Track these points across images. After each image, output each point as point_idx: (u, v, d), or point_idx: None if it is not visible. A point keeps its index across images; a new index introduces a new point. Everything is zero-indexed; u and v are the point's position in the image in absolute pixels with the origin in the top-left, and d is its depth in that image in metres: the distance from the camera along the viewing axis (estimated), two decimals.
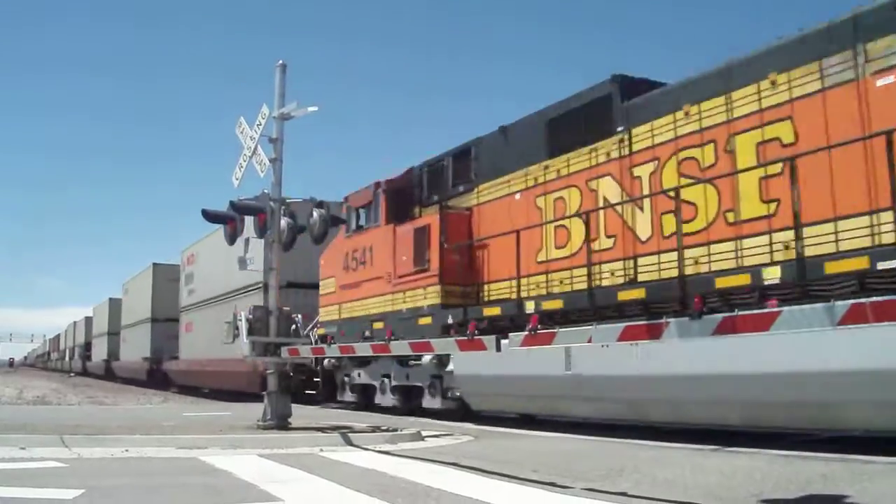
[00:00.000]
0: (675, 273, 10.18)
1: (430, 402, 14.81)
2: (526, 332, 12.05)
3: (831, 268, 8.62)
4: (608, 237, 11.54)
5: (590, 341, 10.91)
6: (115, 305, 47.43)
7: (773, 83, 9.67)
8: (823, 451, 8.25)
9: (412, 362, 15.05)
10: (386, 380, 16.12)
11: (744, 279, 9.49)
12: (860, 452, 7.82)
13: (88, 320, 60.82)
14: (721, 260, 10.00)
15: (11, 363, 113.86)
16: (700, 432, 10.01)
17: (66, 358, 74.61)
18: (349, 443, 9.68)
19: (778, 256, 9.35)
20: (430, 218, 14.90)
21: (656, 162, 10.98)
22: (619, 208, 11.45)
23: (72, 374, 59.92)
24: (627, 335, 10.44)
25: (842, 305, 8.22)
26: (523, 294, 12.49)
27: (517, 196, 13.43)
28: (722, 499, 5.53)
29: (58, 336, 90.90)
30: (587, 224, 11.52)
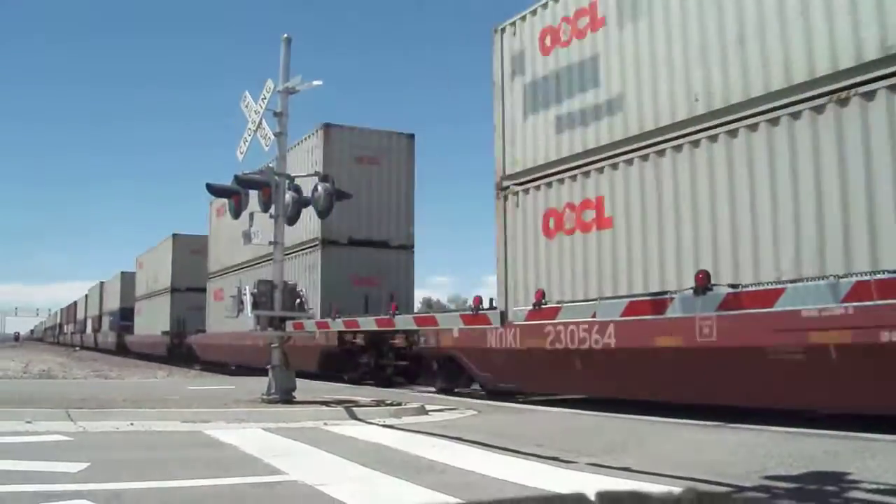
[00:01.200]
0: None
1: None
2: (529, 307, 12.15)
3: None
4: None
5: (594, 316, 11.01)
6: (186, 246, 32.72)
7: None
8: (826, 428, 8.26)
9: None
10: None
11: None
12: (863, 430, 7.83)
13: (127, 277, 45.68)
14: None
15: (17, 337, 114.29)
16: (704, 409, 10.02)
17: (88, 330, 60.84)
18: (353, 417, 9.72)
19: None
20: None
21: None
22: None
23: (77, 349, 57.72)
24: (631, 310, 10.53)
25: (846, 283, 8.27)
26: None
27: None
28: (725, 475, 5.54)
29: (74, 304, 76.31)
30: None
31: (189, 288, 31.53)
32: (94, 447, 7.02)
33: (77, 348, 60.08)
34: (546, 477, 5.65)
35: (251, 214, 12.01)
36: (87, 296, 65.38)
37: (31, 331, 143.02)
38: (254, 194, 11.58)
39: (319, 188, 11.44)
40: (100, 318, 55.52)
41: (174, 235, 33.80)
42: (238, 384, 15.99)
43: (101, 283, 56.35)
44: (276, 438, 7.83)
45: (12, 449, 6.74)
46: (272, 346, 11.24)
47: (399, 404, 10.83)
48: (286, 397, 10.75)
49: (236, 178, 11.35)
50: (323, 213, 11.68)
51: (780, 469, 5.79)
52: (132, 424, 8.76)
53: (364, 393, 13.49)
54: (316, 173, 11.97)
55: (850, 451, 6.60)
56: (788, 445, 7.06)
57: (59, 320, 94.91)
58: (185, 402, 10.60)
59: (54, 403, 9.71)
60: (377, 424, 9.22)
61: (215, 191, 11.85)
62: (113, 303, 49.48)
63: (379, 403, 10.92)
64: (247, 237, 11.74)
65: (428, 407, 10.87)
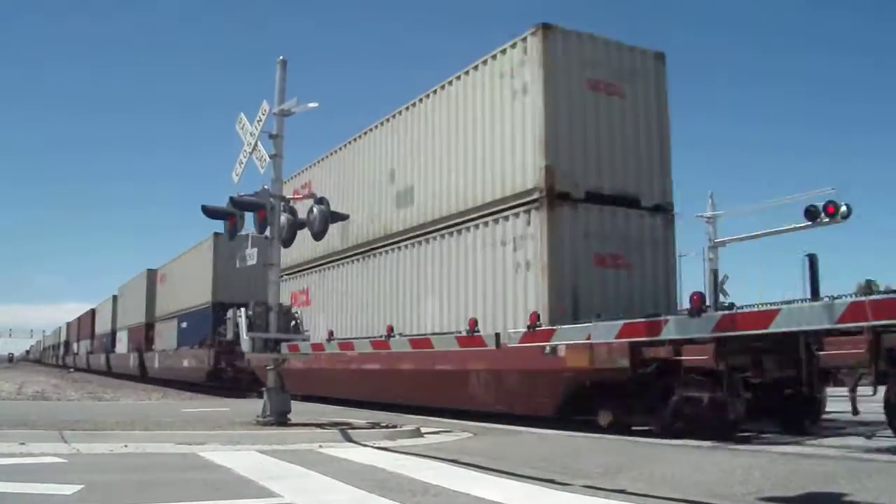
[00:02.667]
0: None
1: None
2: (524, 329, 12.13)
3: None
4: None
5: (588, 338, 11.00)
6: None
7: None
8: (823, 449, 8.26)
9: None
10: None
11: None
12: (859, 451, 7.83)
13: (225, 247, 23.26)
14: None
15: (11, 358, 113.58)
16: (699, 431, 10.00)
17: (122, 348, 41.73)
18: (348, 439, 9.68)
19: None
20: None
21: None
22: None
23: (71, 370, 55.42)
24: (626, 332, 10.52)
25: (840, 303, 8.30)
26: None
27: None
28: (721, 497, 5.53)
29: (90, 312, 55.64)
30: None
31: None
32: (88, 469, 6.97)
33: (71, 369, 57.79)
34: (542, 500, 5.63)
35: (246, 236, 12.02)
36: (115, 297, 45.50)
37: (27, 351, 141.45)
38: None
39: (315, 210, 11.46)
40: (147, 328, 36.06)
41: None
42: (233, 406, 15.92)
43: (149, 272, 36.96)
44: (270, 461, 7.79)
45: (6, 471, 6.69)
46: (267, 368, 11.21)
47: (394, 427, 10.79)
48: (281, 419, 10.71)
49: (232, 199, 11.36)
50: (318, 235, 11.68)
51: (777, 490, 5.78)
52: (126, 446, 8.72)
53: (359, 415, 13.44)
54: (311, 195, 11.96)
55: (847, 472, 6.59)
56: (785, 467, 7.05)
57: (63, 337, 76.06)
58: (180, 425, 10.55)
59: (48, 425, 9.66)
60: (372, 447, 9.18)
61: (210, 212, 11.84)
62: (179, 299, 31.22)
63: (374, 426, 10.88)
64: (241, 259, 11.73)
65: (423, 429, 10.83)
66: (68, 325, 72.84)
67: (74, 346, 63.90)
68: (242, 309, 11.35)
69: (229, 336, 11.54)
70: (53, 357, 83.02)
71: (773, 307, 8.98)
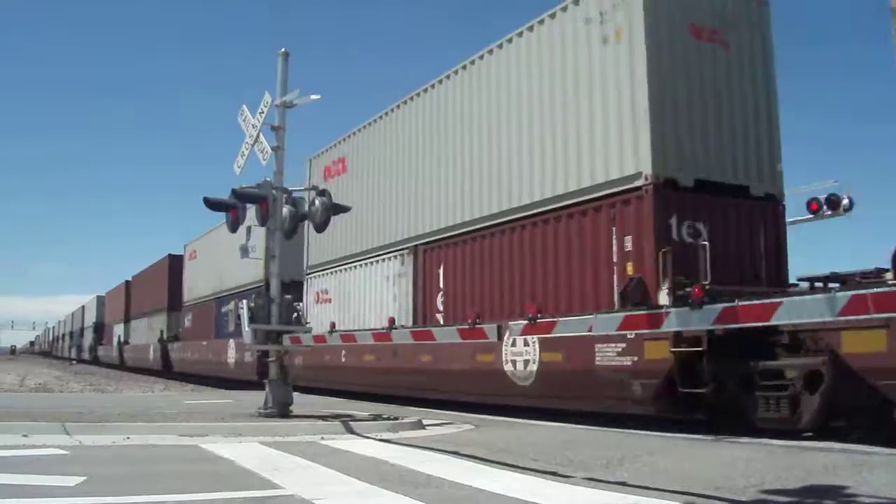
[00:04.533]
0: None
1: None
2: (525, 321, 12.13)
3: None
4: None
5: (590, 330, 10.99)
6: None
7: None
8: (824, 442, 8.26)
9: None
10: None
11: None
12: (861, 443, 7.83)
13: None
14: None
15: (13, 351, 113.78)
16: (700, 423, 10.01)
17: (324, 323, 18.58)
18: (350, 431, 9.70)
19: None
20: None
21: None
22: None
23: (74, 363, 54.21)
24: (628, 324, 10.52)
25: (842, 296, 8.28)
26: None
27: None
28: (722, 489, 5.53)
29: (161, 268, 36.95)
30: None
31: None
32: (90, 461, 6.99)
33: (73, 361, 56.16)
34: (544, 492, 5.63)
35: (248, 228, 12.02)
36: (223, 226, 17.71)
37: (32, 343, 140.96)
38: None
39: (317, 202, 11.44)
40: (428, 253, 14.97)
41: None
42: (235, 398, 15.96)
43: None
44: (272, 452, 7.81)
45: (8, 463, 6.71)
46: (269, 360, 11.23)
47: (396, 418, 10.81)
48: (283, 411, 10.73)
49: (234, 191, 11.36)
50: (319, 228, 11.67)
51: (779, 483, 5.79)
52: (129, 438, 8.73)
53: (361, 407, 13.46)
54: (314, 187, 11.94)
55: (849, 465, 6.59)
56: (786, 460, 7.05)
57: (92, 319, 54.49)
58: (183, 416, 10.57)
59: (51, 417, 9.68)
60: (374, 439, 9.20)
61: (212, 204, 11.83)
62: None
63: (376, 418, 10.91)
64: (244, 251, 11.74)
65: (425, 421, 10.85)
66: (100, 298, 52.88)
67: (116, 329, 43.93)
68: (245, 300, 11.37)
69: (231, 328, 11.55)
70: (72, 348, 64.24)
71: (776, 300, 8.97)
